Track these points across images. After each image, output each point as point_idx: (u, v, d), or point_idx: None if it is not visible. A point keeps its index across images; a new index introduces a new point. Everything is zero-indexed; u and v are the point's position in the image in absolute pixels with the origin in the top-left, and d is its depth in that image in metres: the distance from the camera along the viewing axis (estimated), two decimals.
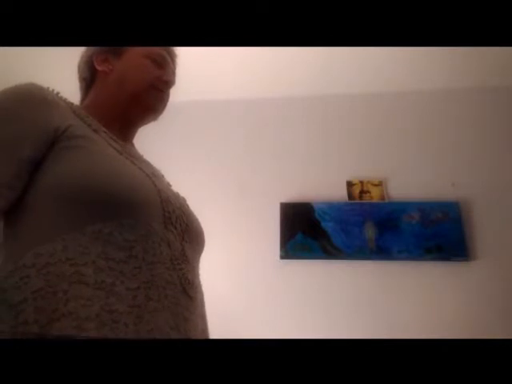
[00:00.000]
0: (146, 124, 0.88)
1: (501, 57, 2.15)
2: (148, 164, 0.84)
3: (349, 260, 2.11)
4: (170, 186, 0.86)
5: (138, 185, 0.67)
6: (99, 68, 0.84)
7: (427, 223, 2.12)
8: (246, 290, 2.12)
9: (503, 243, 2.05)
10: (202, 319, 0.70)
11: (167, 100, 0.88)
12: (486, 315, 1.92)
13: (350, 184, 2.27)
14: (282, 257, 2.15)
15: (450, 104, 2.40)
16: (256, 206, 2.29)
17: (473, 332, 1.81)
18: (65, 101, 0.74)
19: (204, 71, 2.33)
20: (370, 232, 2.14)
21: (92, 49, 0.85)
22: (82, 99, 0.87)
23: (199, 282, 0.74)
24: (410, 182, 2.24)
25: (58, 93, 0.74)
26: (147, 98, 0.82)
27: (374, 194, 2.24)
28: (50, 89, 0.72)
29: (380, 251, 2.10)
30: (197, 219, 0.79)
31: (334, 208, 2.21)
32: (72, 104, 0.75)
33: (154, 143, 2.39)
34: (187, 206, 0.79)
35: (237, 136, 2.49)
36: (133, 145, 0.89)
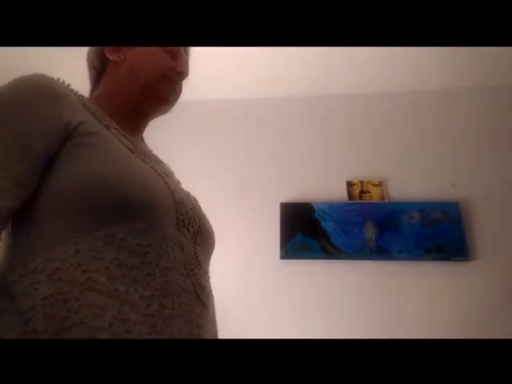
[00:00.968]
0: (157, 116, 0.85)
1: (501, 57, 2.15)
2: (159, 161, 0.81)
3: (349, 260, 2.11)
4: (180, 183, 0.83)
5: (152, 186, 0.64)
6: (110, 57, 0.80)
7: (427, 223, 2.12)
8: (245, 290, 2.12)
9: (503, 243, 2.05)
10: (213, 325, 0.69)
11: (180, 92, 0.85)
12: (486, 315, 1.92)
13: (349, 184, 2.27)
14: (282, 257, 2.15)
15: (450, 104, 2.40)
16: (256, 205, 2.29)
17: (473, 332, 1.81)
18: (75, 93, 0.71)
19: (204, 71, 2.33)
20: (370, 232, 2.14)
21: None
22: (92, 89, 0.84)
23: (210, 286, 0.72)
24: (410, 182, 2.24)
25: (68, 85, 0.71)
26: (160, 88, 0.80)
27: (374, 194, 2.24)
28: (60, 80, 0.69)
29: (380, 251, 2.10)
30: (208, 220, 0.77)
31: (333, 208, 2.21)
32: (83, 97, 0.72)
33: (154, 143, 2.39)
34: (199, 206, 0.77)
35: (237, 136, 2.49)
36: (143, 139, 0.87)
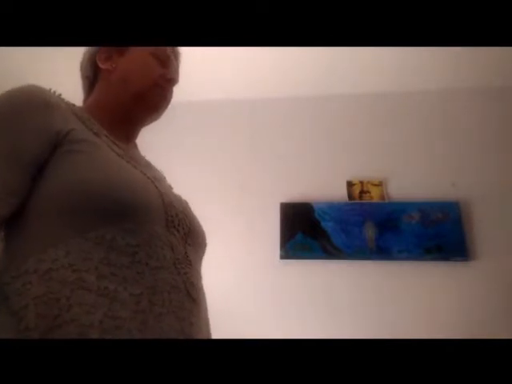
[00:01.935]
0: (149, 123, 0.88)
1: (501, 57, 2.15)
2: (150, 166, 0.83)
3: (349, 260, 2.11)
4: (172, 188, 0.86)
5: (140, 189, 0.66)
6: (102, 66, 0.82)
7: (427, 223, 2.12)
8: (246, 290, 2.12)
9: (503, 243, 2.05)
10: (206, 325, 0.70)
11: (170, 98, 0.87)
12: (486, 315, 1.92)
13: (350, 184, 2.27)
14: (282, 257, 2.15)
15: (450, 104, 2.40)
16: (256, 205, 2.29)
17: (473, 332, 1.81)
18: (67, 103, 0.73)
19: (207, 72, 2.33)
20: (370, 232, 2.14)
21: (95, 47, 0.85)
22: (85, 98, 0.87)
23: (202, 285, 0.73)
24: (410, 182, 2.24)
25: (59, 95, 0.73)
26: (151, 96, 0.81)
27: (374, 194, 2.24)
28: (52, 90, 0.72)
29: (380, 251, 2.10)
30: (199, 222, 0.79)
31: (333, 208, 2.21)
32: (74, 106, 0.75)
33: (155, 143, 2.39)
34: (190, 208, 0.79)
35: (237, 136, 2.49)
36: (135, 145, 0.88)
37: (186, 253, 0.69)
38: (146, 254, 0.61)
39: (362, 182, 2.26)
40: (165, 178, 0.88)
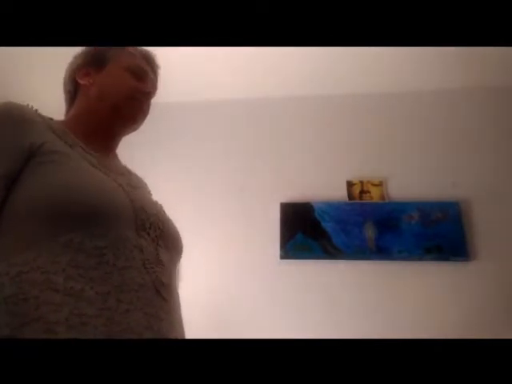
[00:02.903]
0: (127, 134, 0.91)
1: (501, 57, 2.15)
2: (127, 175, 0.86)
3: (349, 260, 2.11)
4: (151, 194, 0.90)
5: (108, 194, 0.70)
6: (81, 82, 0.87)
7: (427, 223, 2.12)
8: (246, 289, 2.12)
9: (503, 243, 2.05)
10: (179, 323, 0.72)
11: (147, 110, 0.90)
12: (486, 315, 1.92)
13: (350, 184, 2.27)
14: (282, 257, 2.14)
15: (450, 104, 2.40)
16: (256, 205, 2.29)
17: (473, 332, 1.81)
18: (43, 117, 0.77)
19: (207, 72, 2.33)
20: (369, 232, 2.14)
21: (75, 63, 0.89)
22: (67, 110, 0.91)
23: (175, 285, 0.75)
24: (410, 182, 2.24)
25: (36, 110, 0.77)
26: (127, 109, 0.85)
27: (374, 194, 2.24)
28: (30, 106, 0.76)
29: (380, 251, 2.10)
30: (174, 225, 0.82)
31: (333, 208, 2.21)
32: (51, 120, 0.79)
33: (155, 143, 2.39)
34: (163, 212, 0.82)
35: (237, 136, 2.49)
36: (115, 155, 0.91)
37: (157, 254, 0.71)
38: (113, 256, 0.64)
39: (362, 182, 2.26)
40: (145, 184, 0.93)
